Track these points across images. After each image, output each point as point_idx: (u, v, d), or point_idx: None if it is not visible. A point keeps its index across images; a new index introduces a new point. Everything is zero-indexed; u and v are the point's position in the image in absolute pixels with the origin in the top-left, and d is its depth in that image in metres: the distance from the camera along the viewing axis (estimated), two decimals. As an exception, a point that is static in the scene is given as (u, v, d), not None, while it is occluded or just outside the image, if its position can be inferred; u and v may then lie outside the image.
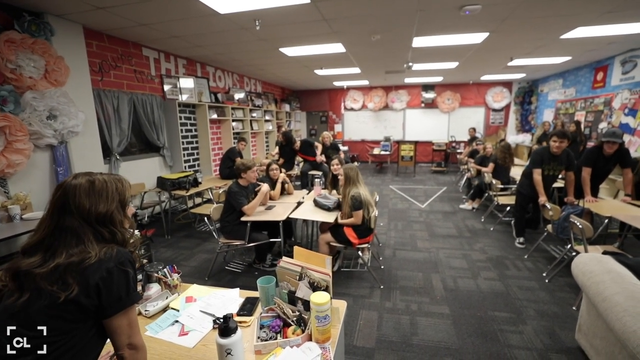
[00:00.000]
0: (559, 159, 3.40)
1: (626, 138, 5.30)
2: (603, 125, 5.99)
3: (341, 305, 1.49)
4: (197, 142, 6.04)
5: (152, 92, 4.99)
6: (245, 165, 3.18)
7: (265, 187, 3.26)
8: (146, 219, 4.81)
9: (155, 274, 1.68)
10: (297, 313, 1.36)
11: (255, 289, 1.49)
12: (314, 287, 1.35)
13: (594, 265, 1.99)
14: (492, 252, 3.66)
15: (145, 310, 1.49)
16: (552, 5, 3.32)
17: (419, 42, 4.71)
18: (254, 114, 7.85)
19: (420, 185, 7.33)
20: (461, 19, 3.70)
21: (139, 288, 1.58)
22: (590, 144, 5.68)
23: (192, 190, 4.39)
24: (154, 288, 1.64)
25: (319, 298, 1.22)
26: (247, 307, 1.54)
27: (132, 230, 1.11)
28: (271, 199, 3.62)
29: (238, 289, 1.71)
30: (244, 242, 3.05)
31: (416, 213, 5.25)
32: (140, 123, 4.79)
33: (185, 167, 5.54)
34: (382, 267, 3.36)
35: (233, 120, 6.88)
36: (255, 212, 3.14)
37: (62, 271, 0.88)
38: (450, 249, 3.78)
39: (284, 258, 1.48)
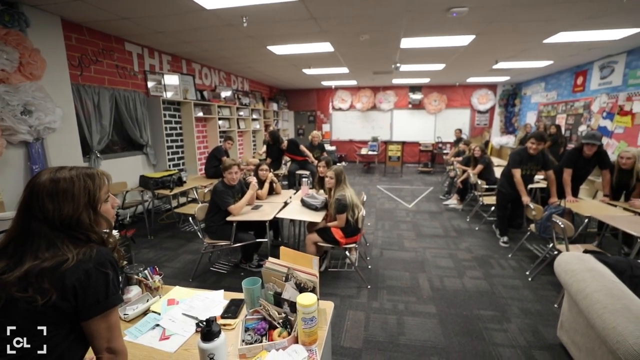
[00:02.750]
0: (536, 159, 3.51)
1: (604, 141, 5.48)
2: (583, 128, 6.18)
3: (328, 306, 1.46)
4: (182, 140, 5.91)
5: (135, 89, 4.84)
6: (224, 165, 3.13)
7: (253, 179, 3.21)
8: (128, 218, 4.67)
9: (136, 276, 1.62)
10: (284, 315, 1.33)
11: (241, 290, 1.45)
12: (301, 288, 1.32)
13: (575, 263, 2.03)
14: (478, 252, 3.71)
15: (125, 314, 1.43)
16: (536, 9, 3.39)
17: (406, 43, 4.74)
18: (241, 113, 7.75)
19: (407, 186, 7.39)
20: (448, 21, 3.74)
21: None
22: (570, 146, 5.86)
23: (177, 190, 4.28)
24: (134, 291, 1.58)
25: (306, 300, 1.19)
26: (232, 310, 1.50)
27: (108, 231, 1.04)
28: (258, 198, 3.56)
29: (222, 290, 1.66)
30: (229, 243, 2.99)
31: (403, 213, 5.28)
32: (123, 120, 4.64)
33: (169, 165, 5.41)
34: (370, 267, 3.36)
35: (219, 119, 6.77)
36: (241, 212, 3.09)
37: (36, 277, 0.82)
38: (437, 249, 3.82)
39: (270, 259, 1.45)
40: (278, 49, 5.23)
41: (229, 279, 3.10)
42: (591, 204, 3.49)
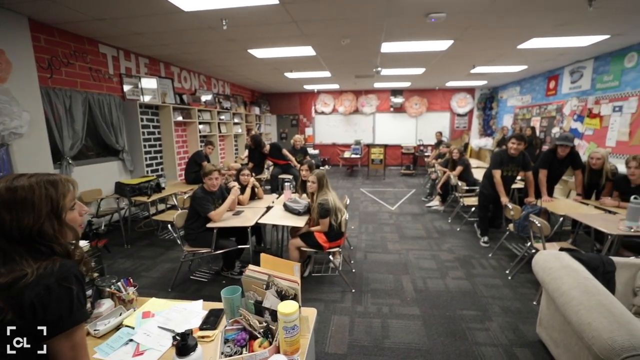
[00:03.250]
0: (516, 161, 3.61)
1: (576, 142, 5.72)
2: (556, 130, 6.44)
3: (311, 313, 1.43)
4: (160, 145, 5.74)
5: (110, 92, 4.68)
6: (204, 171, 3.05)
7: (235, 183, 3.15)
8: (103, 227, 4.48)
9: (108, 289, 1.54)
10: (265, 324, 1.28)
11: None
12: (282, 295, 1.28)
13: (552, 261, 2.08)
14: (459, 252, 3.77)
15: (95, 330, 1.35)
16: (510, 16, 3.51)
17: (387, 47, 4.80)
18: (222, 117, 7.63)
19: (390, 188, 7.47)
20: (427, 26, 3.82)
21: (88, 305, 1.43)
22: (545, 148, 6.09)
23: (155, 196, 4.14)
24: (106, 304, 1.49)
25: (287, 308, 1.16)
26: (211, 320, 1.44)
27: (75, 242, 0.97)
28: (240, 204, 3.49)
29: (201, 300, 1.60)
30: (210, 250, 2.91)
31: (386, 215, 5.32)
32: (97, 125, 4.46)
33: (147, 171, 5.24)
34: (354, 270, 3.34)
35: (200, 123, 6.64)
36: (222, 218, 3.01)
37: None
38: (420, 250, 3.85)
39: (250, 266, 1.41)
40: (259, 53, 5.18)
41: (210, 288, 3.01)
42: (565, 203, 3.62)
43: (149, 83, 5.42)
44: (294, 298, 1.26)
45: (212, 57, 5.58)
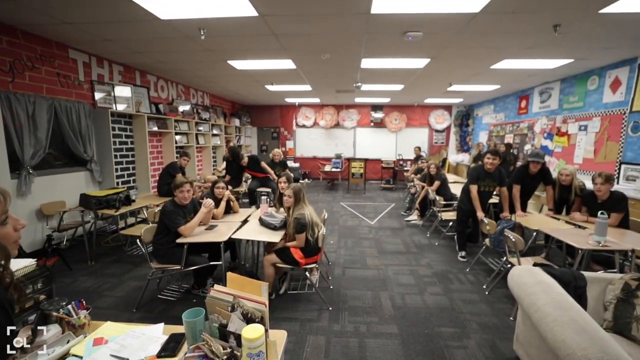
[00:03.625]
0: (493, 176, 3.69)
1: (546, 159, 5.97)
2: (528, 147, 6.71)
3: (280, 336, 1.33)
4: (133, 155, 5.51)
5: (80, 99, 4.46)
6: (175, 183, 2.91)
7: (209, 201, 3.01)
8: (65, 242, 4.18)
9: (55, 313, 1.37)
10: (229, 350, 1.18)
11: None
12: (248, 318, 1.19)
13: (526, 277, 2.08)
14: (438, 267, 3.76)
15: (35, 362, 1.19)
16: (483, 38, 3.65)
17: (367, 63, 4.88)
18: (201, 128, 7.47)
19: (370, 202, 7.47)
20: (405, 44, 3.91)
21: (27, 333, 1.26)
22: (519, 164, 6.31)
23: (123, 209, 3.91)
24: (52, 330, 1.33)
25: (251, 333, 1.06)
26: (171, 347, 1.31)
27: (3, 262, 0.85)
28: (214, 218, 3.35)
29: (162, 324, 1.46)
30: (180, 267, 2.74)
31: (366, 230, 5.28)
32: (64, 133, 4.22)
33: (117, 183, 4.99)
34: (331, 287, 3.25)
35: (176, 134, 6.45)
36: (194, 233, 2.86)
37: None
38: (399, 265, 3.82)
39: (215, 287, 1.30)
40: (239, 64, 5.14)
41: (178, 307, 2.82)
42: (538, 217, 3.71)
43: (123, 91, 5.24)
44: (261, 321, 1.17)
45: (191, 67, 5.49)
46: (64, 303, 1.40)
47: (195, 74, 6.06)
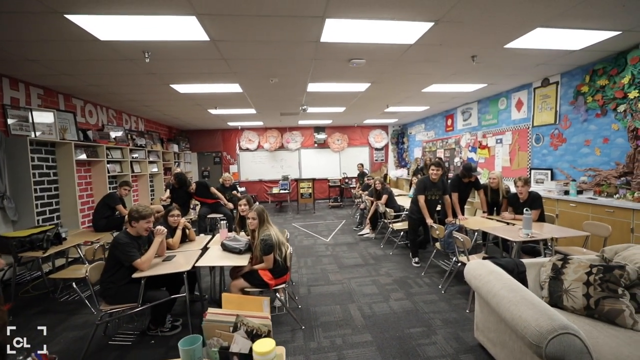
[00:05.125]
0: (437, 186, 4.12)
1: (470, 169, 6.84)
2: (457, 160, 7.60)
3: (281, 351, 1.31)
4: (56, 189, 4.84)
5: (-11, 127, 3.85)
6: (140, 213, 2.64)
7: (160, 228, 2.79)
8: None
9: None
10: (234, 374, 1.13)
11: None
12: (253, 335, 1.16)
13: (480, 269, 2.36)
14: (396, 274, 3.98)
15: None
16: (416, 65, 4.15)
17: (313, 87, 5.14)
18: (136, 155, 6.90)
19: (321, 221, 7.60)
20: (349, 70, 4.25)
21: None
22: (450, 175, 7.08)
23: (53, 250, 3.40)
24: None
25: (264, 346, 1.05)
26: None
27: None
28: (170, 248, 3.11)
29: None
30: (136, 305, 2.47)
31: (323, 247, 5.36)
32: (-33, 166, 3.57)
33: (38, 221, 4.31)
34: (300, 306, 3.22)
35: (109, 162, 5.87)
36: (150, 266, 2.62)
37: None
38: (360, 277, 3.94)
39: (210, 310, 1.25)
40: (183, 88, 4.98)
41: (135, 352, 2.50)
42: (475, 220, 4.21)
43: (44, 117, 4.65)
44: (268, 335, 1.15)
45: (126, 91, 5.13)
46: (21, 357, 1.19)
47: (130, 98, 5.67)
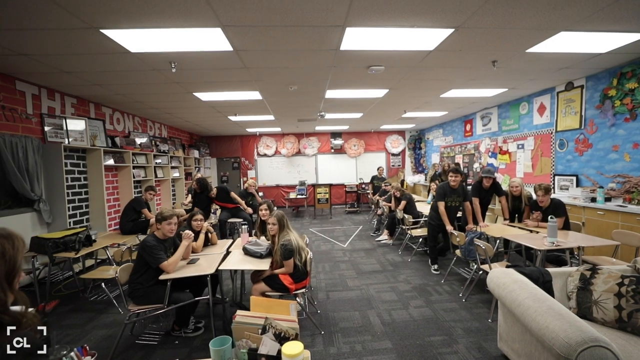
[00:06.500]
0: (457, 192, 4.07)
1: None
2: (476, 165, 7.46)
3: (307, 354, 1.34)
4: (86, 192, 5.09)
5: (27, 134, 4.10)
6: (163, 215, 2.76)
7: (188, 232, 2.89)
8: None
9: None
10: (262, 374, 1.17)
11: None
12: (281, 338, 1.20)
13: (504, 277, 2.32)
14: (415, 281, 3.94)
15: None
16: (435, 70, 4.14)
17: (331, 94, 5.20)
18: (159, 160, 7.15)
19: (338, 226, 7.61)
20: (367, 77, 4.28)
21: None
22: (469, 181, 6.96)
23: (84, 251, 3.57)
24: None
25: (293, 348, 1.09)
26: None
27: (24, 307, 0.81)
28: (194, 251, 3.21)
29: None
30: (162, 306, 2.56)
31: (340, 253, 5.36)
32: (6, 171, 3.81)
33: (69, 223, 4.54)
34: (319, 311, 3.24)
35: (134, 167, 6.11)
36: (176, 268, 2.72)
37: None
38: (379, 284, 3.93)
39: (239, 312, 1.30)
40: (205, 96, 5.15)
41: (161, 352, 2.59)
42: (497, 227, 4.12)
43: (77, 124, 4.91)
44: (295, 338, 1.19)
45: (151, 99, 5.35)
46: (64, 352, 1.28)
47: (155, 106, 5.91)
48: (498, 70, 4.07)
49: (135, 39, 2.96)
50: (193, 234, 2.95)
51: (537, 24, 2.88)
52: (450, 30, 2.95)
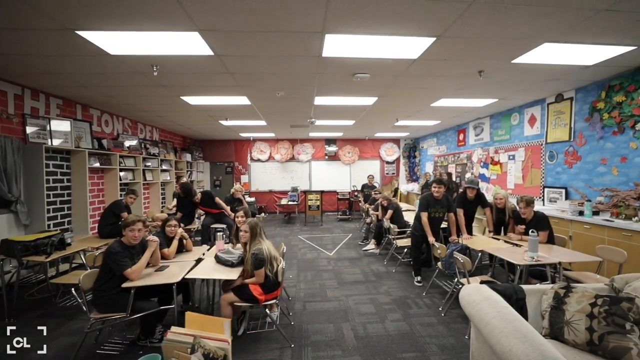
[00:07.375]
0: (441, 202, 4.00)
1: (484, 185, 6.63)
2: (468, 175, 7.40)
3: (244, 377, 1.26)
4: (69, 194, 5.02)
5: (7, 134, 4.05)
6: (125, 221, 2.70)
7: (152, 238, 2.81)
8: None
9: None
10: (187, 399, 1.09)
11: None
12: (209, 359, 1.12)
13: (475, 294, 2.23)
14: (396, 293, 3.85)
15: None
16: (423, 80, 4.11)
17: (319, 100, 5.16)
18: (149, 163, 7.10)
19: (327, 234, 7.52)
20: (354, 84, 4.24)
21: None
22: (461, 190, 6.88)
23: (56, 255, 3.48)
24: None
25: (214, 374, 1.01)
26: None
27: None
28: (165, 258, 3.13)
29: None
30: (124, 315, 2.48)
31: (325, 262, 5.27)
32: (-16, 171, 3.75)
33: (49, 225, 4.47)
34: (292, 323, 3.15)
35: (121, 170, 6.05)
36: (141, 275, 2.64)
37: None
38: (359, 295, 3.83)
39: (173, 328, 1.22)
40: (193, 100, 5.12)
41: (122, 362, 2.51)
42: (481, 239, 4.04)
43: (61, 126, 4.87)
44: (224, 361, 1.11)
45: (140, 102, 5.32)
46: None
47: (144, 109, 5.87)
48: (485, 80, 4.04)
49: (112, 41, 2.93)
50: (157, 240, 2.87)
51: (518, 34, 2.84)
52: (432, 39, 2.91)
